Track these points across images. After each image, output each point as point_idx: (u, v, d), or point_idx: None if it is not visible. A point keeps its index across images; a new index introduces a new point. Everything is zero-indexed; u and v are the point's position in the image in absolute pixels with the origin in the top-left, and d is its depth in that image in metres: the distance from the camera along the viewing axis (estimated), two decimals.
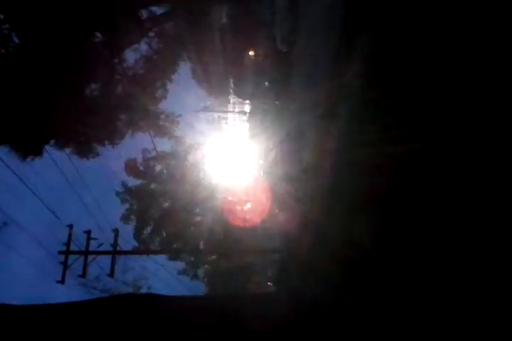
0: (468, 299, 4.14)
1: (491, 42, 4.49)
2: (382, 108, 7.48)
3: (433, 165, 5.37)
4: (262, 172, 33.05)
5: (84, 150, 23.22)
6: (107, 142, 24.33)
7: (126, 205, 34.76)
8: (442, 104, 5.26)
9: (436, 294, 4.62)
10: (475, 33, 4.71)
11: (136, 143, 31.40)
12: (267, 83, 31.28)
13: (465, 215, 4.43)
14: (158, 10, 26.17)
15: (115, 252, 21.86)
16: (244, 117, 42.24)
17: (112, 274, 22.02)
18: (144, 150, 35.10)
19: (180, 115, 33.59)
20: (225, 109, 42.47)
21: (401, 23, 7.03)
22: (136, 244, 32.91)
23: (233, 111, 42.87)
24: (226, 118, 44.17)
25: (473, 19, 4.79)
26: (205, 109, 41.10)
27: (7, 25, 18.08)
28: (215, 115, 43.05)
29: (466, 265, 4.22)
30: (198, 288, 38.88)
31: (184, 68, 32.04)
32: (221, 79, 33.49)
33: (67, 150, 22.62)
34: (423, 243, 5.09)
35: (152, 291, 27.39)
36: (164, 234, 34.03)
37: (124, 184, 34.90)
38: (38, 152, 20.86)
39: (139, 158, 35.42)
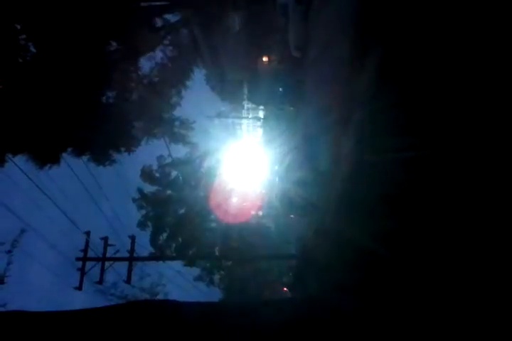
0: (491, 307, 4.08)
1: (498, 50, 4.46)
2: (397, 114, 7.45)
3: (447, 171, 5.32)
4: (277, 178, 33.00)
5: (101, 157, 23.43)
6: (123, 149, 24.57)
7: (143, 212, 34.94)
8: (456, 111, 5.23)
9: (458, 301, 4.55)
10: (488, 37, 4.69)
11: (151, 150, 31.81)
12: (281, 89, 31.30)
13: (481, 219, 4.38)
14: (172, 18, 26.55)
15: (132, 258, 22.00)
16: (259, 123, 42.29)
17: (128, 280, 22.16)
18: (160, 157, 35.44)
19: (195, 121, 33.96)
20: (240, 115, 42.58)
21: (413, 32, 7.00)
22: (152, 250, 33.03)
23: (247, 117, 42.96)
24: (240, 124, 44.27)
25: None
26: (220, 115, 41.28)
27: (24, 36, 18.42)
28: (230, 121, 43.18)
29: (493, 271, 4.16)
30: (215, 294, 38.86)
31: (198, 75, 32.40)
32: (235, 85, 33.67)
33: (84, 158, 22.88)
34: (443, 249, 5.03)
35: (169, 297, 27.47)
36: (180, 240, 34.11)
37: (140, 190, 35.14)
38: (55, 160, 21.12)
39: (155, 164, 35.78)
